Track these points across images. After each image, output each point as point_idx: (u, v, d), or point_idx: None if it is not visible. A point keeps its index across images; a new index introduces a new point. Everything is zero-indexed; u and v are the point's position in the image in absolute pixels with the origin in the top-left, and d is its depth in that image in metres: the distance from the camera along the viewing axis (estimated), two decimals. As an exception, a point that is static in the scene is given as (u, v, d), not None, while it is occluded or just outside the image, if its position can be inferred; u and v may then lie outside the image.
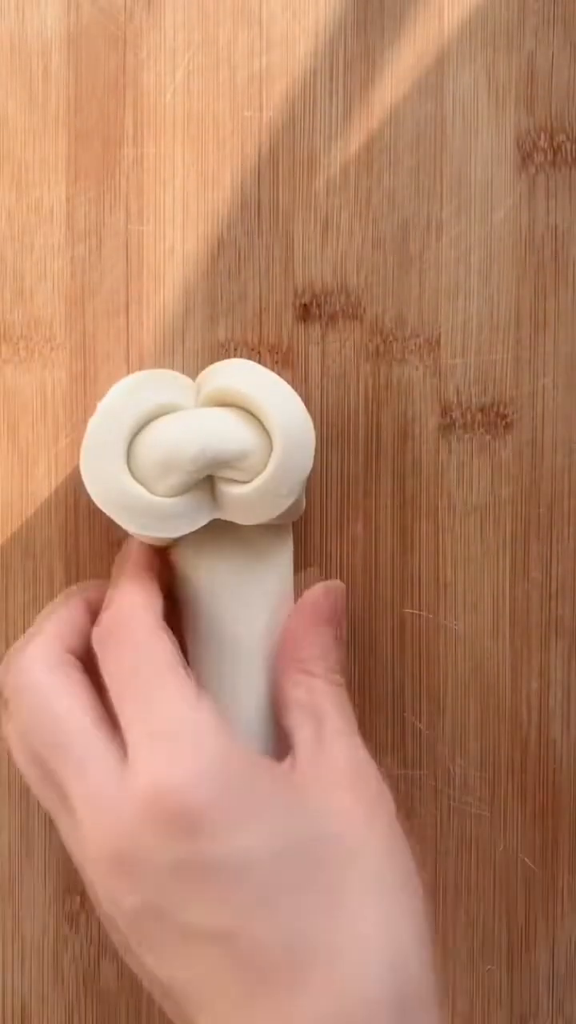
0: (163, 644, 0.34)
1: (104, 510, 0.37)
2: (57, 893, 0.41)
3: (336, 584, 0.38)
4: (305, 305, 0.41)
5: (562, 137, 0.41)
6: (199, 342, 0.41)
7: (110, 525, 0.39)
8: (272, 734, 0.38)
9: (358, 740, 0.35)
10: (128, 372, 0.40)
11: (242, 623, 0.38)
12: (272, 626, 0.38)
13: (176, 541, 0.37)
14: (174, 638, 0.35)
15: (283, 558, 0.39)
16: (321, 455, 0.41)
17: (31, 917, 0.41)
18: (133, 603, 0.35)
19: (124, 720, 0.33)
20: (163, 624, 0.35)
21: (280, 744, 0.36)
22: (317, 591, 0.38)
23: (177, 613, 0.39)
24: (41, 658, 0.34)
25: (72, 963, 0.41)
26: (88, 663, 0.35)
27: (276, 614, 0.38)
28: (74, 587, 0.39)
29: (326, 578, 0.41)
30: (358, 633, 0.41)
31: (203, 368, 0.39)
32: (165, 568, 0.38)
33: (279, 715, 0.36)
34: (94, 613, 0.36)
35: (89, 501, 0.37)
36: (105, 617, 0.35)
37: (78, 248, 0.40)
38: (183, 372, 0.40)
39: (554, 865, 0.42)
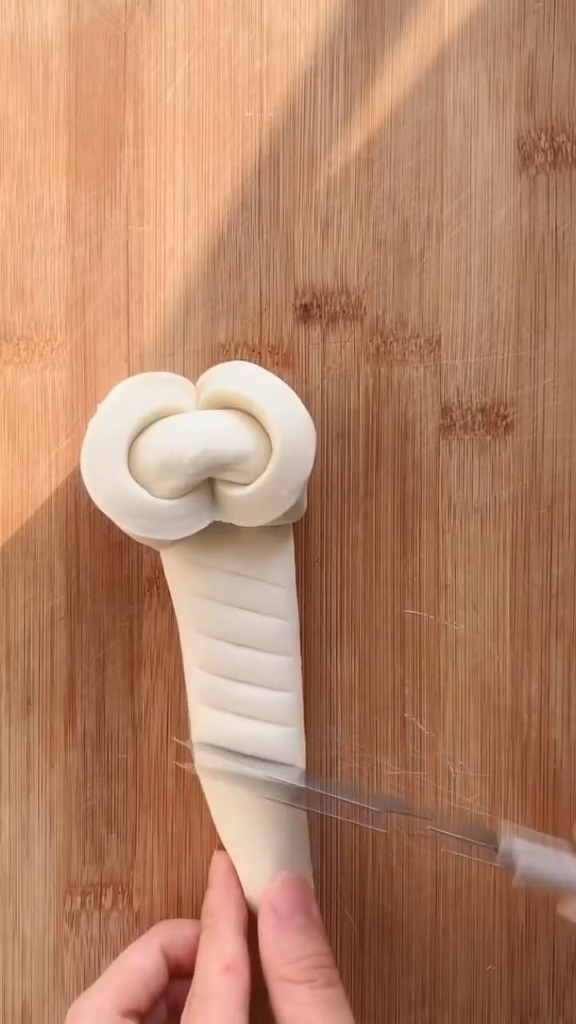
0: None
1: (104, 511, 0.37)
2: (57, 893, 0.41)
3: (287, 875, 0.38)
4: (306, 306, 0.41)
5: (562, 137, 0.41)
6: (200, 342, 0.40)
7: (110, 525, 0.39)
8: (276, 735, 0.38)
9: None
10: (128, 373, 0.40)
11: (242, 626, 0.38)
12: (272, 628, 0.38)
13: (176, 543, 0.37)
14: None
15: (283, 559, 0.39)
16: (322, 456, 0.41)
17: (31, 917, 0.41)
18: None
19: None
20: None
21: None
22: (272, 890, 0.38)
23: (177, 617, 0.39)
24: (93, 1018, 0.36)
25: (72, 963, 0.41)
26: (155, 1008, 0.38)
27: (277, 616, 0.38)
28: (159, 924, 0.40)
29: (326, 581, 0.41)
30: (358, 633, 0.41)
31: (204, 368, 0.39)
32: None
33: None
34: (171, 958, 0.38)
35: (89, 501, 0.37)
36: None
37: (78, 249, 0.40)
38: (183, 372, 0.40)
39: (554, 865, 0.42)
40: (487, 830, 0.37)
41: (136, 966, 0.38)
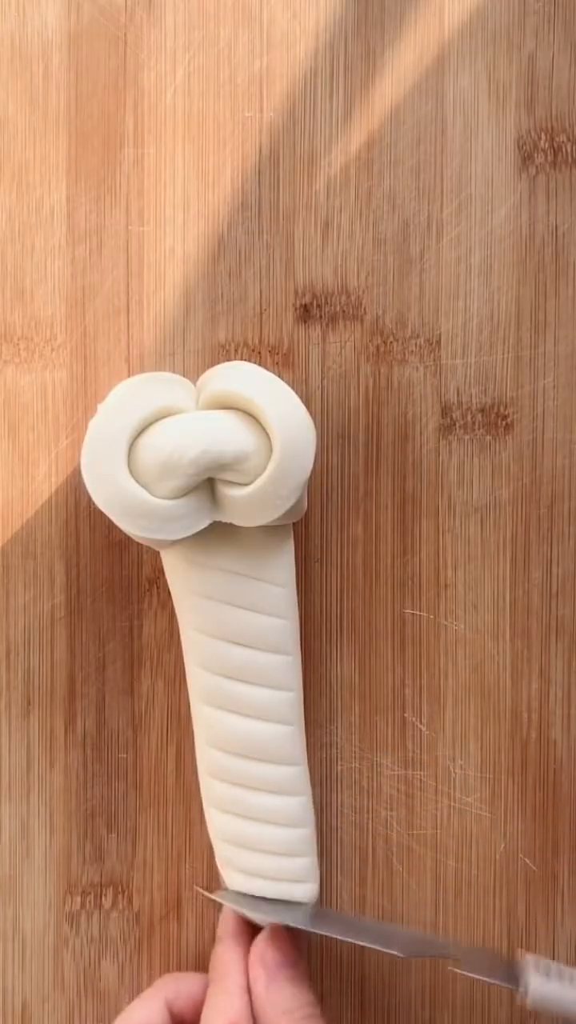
0: None
1: (105, 512, 0.37)
2: (57, 893, 0.41)
3: (275, 928, 0.39)
4: (306, 306, 0.41)
5: (562, 137, 0.41)
6: (199, 342, 0.41)
7: (110, 525, 0.39)
8: (276, 733, 0.38)
9: None
10: (128, 372, 0.40)
11: (242, 625, 0.38)
12: (273, 628, 0.38)
13: (176, 543, 0.37)
14: None
15: (283, 559, 0.39)
16: (322, 456, 0.41)
17: (31, 917, 0.41)
18: None
19: None
20: None
21: None
22: (260, 943, 0.38)
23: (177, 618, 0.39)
24: None
25: (72, 963, 0.41)
26: None
27: (277, 616, 0.38)
28: (164, 977, 0.40)
29: (326, 581, 0.41)
30: (358, 633, 0.41)
31: (204, 368, 0.40)
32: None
33: None
34: (175, 1012, 0.38)
35: (89, 501, 0.37)
36: None
37: (78, 249, 0.40)
38: (183, 372, 0.40)
39: (554, 865, 0.42)
40: (509, 963, 0.38)
41: (141, 1021, 0.38)
